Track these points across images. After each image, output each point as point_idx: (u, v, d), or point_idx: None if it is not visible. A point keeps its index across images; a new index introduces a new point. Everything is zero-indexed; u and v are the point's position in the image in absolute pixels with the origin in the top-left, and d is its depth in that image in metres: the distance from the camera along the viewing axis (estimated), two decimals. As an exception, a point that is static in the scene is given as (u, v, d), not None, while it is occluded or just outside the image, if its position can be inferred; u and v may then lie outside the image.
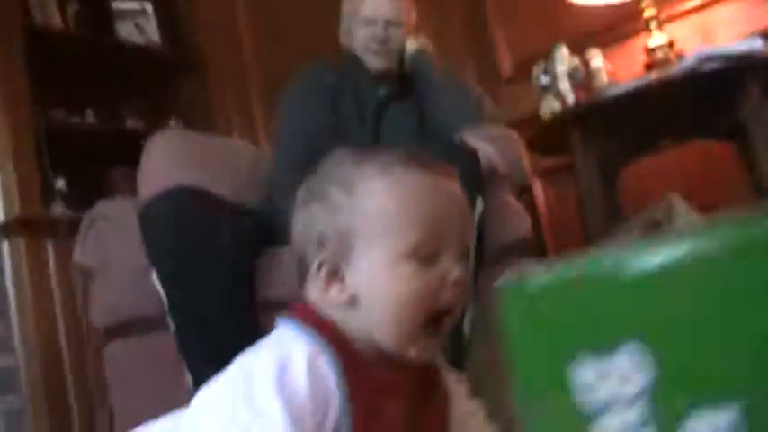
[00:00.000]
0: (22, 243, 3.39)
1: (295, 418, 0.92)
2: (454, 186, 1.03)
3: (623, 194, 2.90)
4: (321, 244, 1.01)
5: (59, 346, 3.34)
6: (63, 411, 3.28)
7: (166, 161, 2.48)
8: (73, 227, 3.46)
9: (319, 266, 1.01)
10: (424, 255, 0.97)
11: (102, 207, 2.37)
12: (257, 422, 0.91)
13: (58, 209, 3.56)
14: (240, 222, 2.11)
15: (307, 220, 1.03)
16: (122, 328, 2.12)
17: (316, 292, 1.03)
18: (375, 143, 2.37)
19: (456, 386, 1.14)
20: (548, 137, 2.74)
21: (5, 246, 3.41)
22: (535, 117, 2.92)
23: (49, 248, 3.43)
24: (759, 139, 2.56)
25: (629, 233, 2.23)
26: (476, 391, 1.17)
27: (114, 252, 2.24)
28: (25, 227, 3.40)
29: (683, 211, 2.14)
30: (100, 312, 2.20)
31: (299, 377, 0.95)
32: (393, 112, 2.46)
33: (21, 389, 3.32)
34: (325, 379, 0.96)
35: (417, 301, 0.98)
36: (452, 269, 0.99)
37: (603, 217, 2.64)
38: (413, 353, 1.00)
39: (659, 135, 2.87)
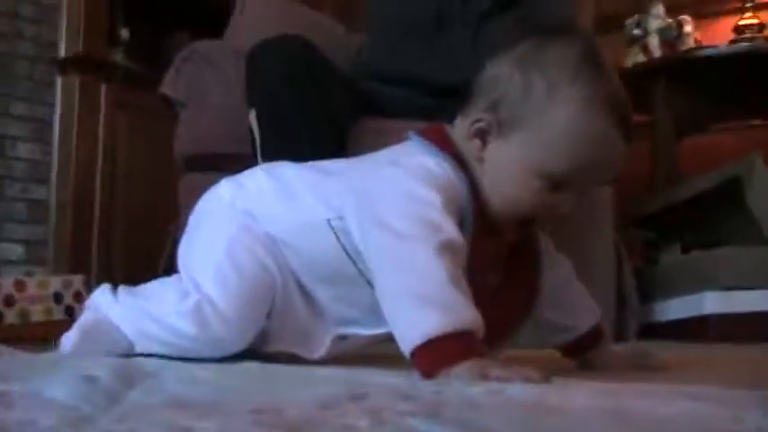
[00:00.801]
0: (77, 81, 3.41)
1: (445, 203, 0.96)
2: (625, 148, 1.04)
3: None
4: (494, 106, 1.04)
5: (93, 186, 3.38)
6: (84, 249, 3.32)
7: (262, 14, 2.50)
8: (129, 76, 3.51)
9: (477, 120, 1.05)
10: (557, 182, 1.02)
11: (198, 45, 2.38)
12: (417, 208, 0.95)
13: (119, 56, 3.56)
14: (342, 84, 2.13)
15: (500, 77, 1.05)
16: (206, 160, 2.15)
17: (461, 131, 1.08)
18: (473, 50, 2.37)
19: (547, 248, 1.20)
20: (627, 87, 2.77)
21: (60, 81, 3.43)
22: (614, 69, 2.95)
23: (103, 91, 3.44)
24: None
25: (706, 184, 2.28)
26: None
27: (207, 89, 2.26)
28: (84, 65, 3.41)
29: (764, 173, 2.19)
30: (185, 142, 2.22)
31: (438, 176, 1.01)
32: (496, 23, 2.46)
33: (48, 220, 3.36)
34: (455, 187, 1.02)
35: (522, 208, 1.05)
36: (566, 204, 1.04)
37: (669, 174, 2.70)
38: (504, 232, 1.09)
39: (735, 110, 2.92)
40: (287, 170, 1.17)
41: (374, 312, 1.01)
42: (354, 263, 1.04)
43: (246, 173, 1.21)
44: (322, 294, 1.10)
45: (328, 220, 1.05)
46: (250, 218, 1.11)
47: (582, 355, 1.23)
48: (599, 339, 1.23)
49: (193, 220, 1.20)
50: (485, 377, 0.81)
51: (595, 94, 1.00)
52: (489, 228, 1.06)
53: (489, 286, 1.03)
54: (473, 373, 0.82)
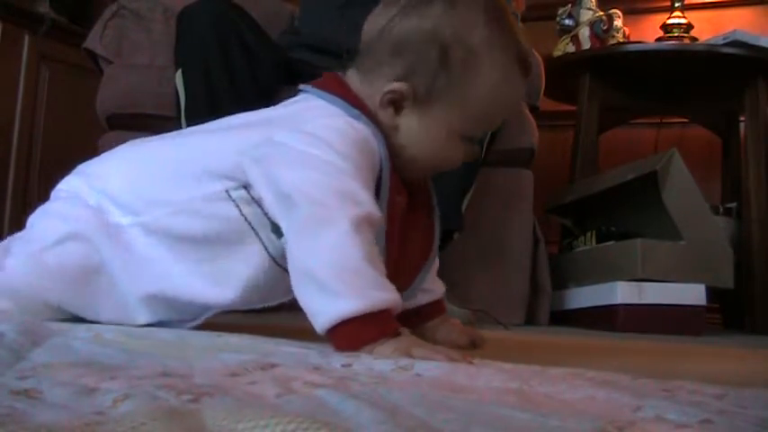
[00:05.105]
0: (-2, 27, 3.31)
1: (363, 169, 0.94)
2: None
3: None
4: (406, 75, 1.01)
5: (12, 130, 3.32)
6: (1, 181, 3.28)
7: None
8: (54, 29, 3.43)
9: (390, 92, 1.01)
10: (469, 136, 1.06)
11: (127, 1, 2.33)
12: (334, 178, 0.91)
13: (44, 7, 3.47)
14: (271, 50, 2.11)
15: (408, 41, 1.00)
16: (128, 119, 2.11)
17: (366, 91, 1.03)
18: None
19: None
20: (556, 78, 2.80)
21: (-19, 27, 3.33)
22: (544, 58, 2.98)
23: (26, 42, 3.36)
24: (752, 137, 2.68)
25: (623, 176, 2.32)
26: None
27: (133, 46, 2.22)
28: (6, 11, 3.31)
29: (681, 169, 2.23)
30: (108, 100, 2.18)
31: (355, 138, 0.97)
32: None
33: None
34: (373, 148, 0.99)
35: (441, 163, 1.08)
36: (473, 152, 1.09)
37: (590, 164, 2.74)
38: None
39: (657, 105, 2.97)
40: (154, 146, 1.12)
41: (259, 289, 1.00)
42: (257, 234, 0.98)
43: (99, 161, 1.15)
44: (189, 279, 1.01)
45: (227, 191, 0.99)
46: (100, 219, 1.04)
47: (422, 324, 1.20)
48: (442, 311, 1.22)
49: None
50: (409, 357, 0.80)
51: (512, 58, 1.02)
52: (398, 185, 1.04)
53: (394, 239, 0.99)
54: (399, 354, 0.81)
